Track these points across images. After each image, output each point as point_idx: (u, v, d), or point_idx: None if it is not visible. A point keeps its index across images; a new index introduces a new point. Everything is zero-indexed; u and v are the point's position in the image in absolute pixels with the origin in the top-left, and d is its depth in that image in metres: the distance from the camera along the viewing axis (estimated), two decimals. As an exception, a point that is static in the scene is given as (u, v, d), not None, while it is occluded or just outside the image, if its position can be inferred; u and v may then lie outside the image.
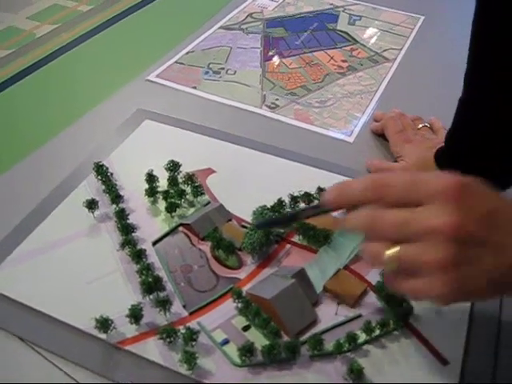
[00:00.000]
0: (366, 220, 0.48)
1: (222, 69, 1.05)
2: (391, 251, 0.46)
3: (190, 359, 0.55)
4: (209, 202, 0.74)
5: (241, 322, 0.61)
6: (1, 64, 1.21)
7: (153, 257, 0.67)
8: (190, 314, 0.61)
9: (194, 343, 0.57)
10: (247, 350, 0.56)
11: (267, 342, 0.57)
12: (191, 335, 0.57)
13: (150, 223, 0.71)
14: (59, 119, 1.01)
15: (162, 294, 0.62)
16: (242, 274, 0.65)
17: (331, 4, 1.28)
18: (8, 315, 0.61)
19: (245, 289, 0.63)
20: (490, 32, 0.67)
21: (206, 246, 0.69)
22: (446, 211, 0.45)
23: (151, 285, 0.61)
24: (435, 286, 0.45)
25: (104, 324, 0.57)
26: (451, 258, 0.44)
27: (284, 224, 0.56)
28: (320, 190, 0.73)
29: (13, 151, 0.99)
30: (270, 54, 1.10)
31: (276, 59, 1.08)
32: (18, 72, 1.17)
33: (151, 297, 0.62)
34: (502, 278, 0.46)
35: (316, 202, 0.73)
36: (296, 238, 0.69)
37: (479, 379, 0.57)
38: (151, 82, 1.01)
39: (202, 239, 0.69)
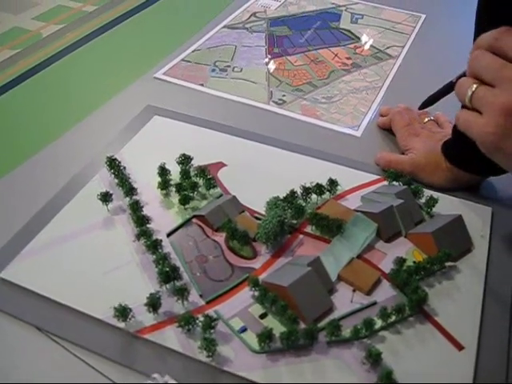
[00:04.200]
0: (471, 57, 0.55)
1: (229, 66, 1.06)
2: (473, 87, 0.54)
3: (209, 346, 0.55)
4: (221, 195, 0.74)
5: (257, 309, 0.61)
6: (10, 63, 1.21)
7: (168, 248, 0.67)
8: (207, 302, 0.62)
9: (212, 331, 0.57)
10: (266, 337, 0.56)
11: (284, 329, 0.58)
12: (210, 322, 0.57)
13: (164, 215, 0.72)
14: (69, 116, 1.01)
15: (179, 283, 0.62)
16: (256, 264, 0.66)
17: (333, 3, 1.30)
18: (25, 305, 0.61)
19: (260, 278, 0.63)
20: (492, 24, 0.68)
21: (219, 237, 0.69)
22: None
23: (168, 274, 0.62)
24: (488, 123, 0.51)
25: (123, 312, 0.58)
26: None
27: (443, 95, 0.66)
28: (332, 181, 0.74)
29: (26, 147, 0.99)
30: (275, 51, 1.11)
31: (281, 57, 1.09)
32: (26, 71, 1.18)
33: (168, 286, 0.62)
34: None
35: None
36: (309, 229, 0.70)
37: (494, 364, 0.58)
38: (159, 79, 1.01)
39: (216, 230, 0.70)
